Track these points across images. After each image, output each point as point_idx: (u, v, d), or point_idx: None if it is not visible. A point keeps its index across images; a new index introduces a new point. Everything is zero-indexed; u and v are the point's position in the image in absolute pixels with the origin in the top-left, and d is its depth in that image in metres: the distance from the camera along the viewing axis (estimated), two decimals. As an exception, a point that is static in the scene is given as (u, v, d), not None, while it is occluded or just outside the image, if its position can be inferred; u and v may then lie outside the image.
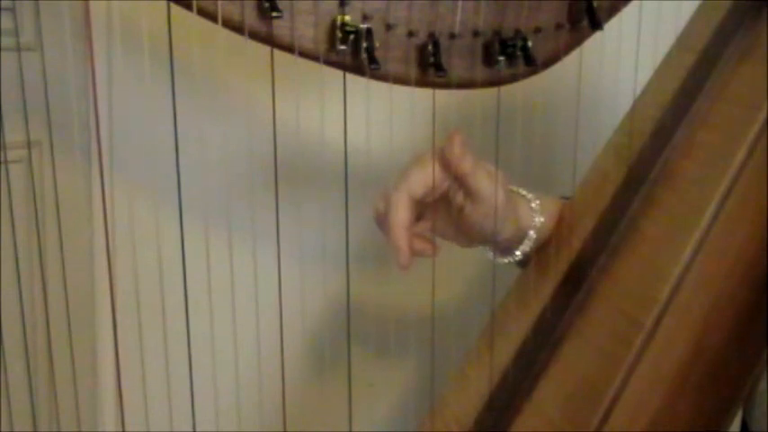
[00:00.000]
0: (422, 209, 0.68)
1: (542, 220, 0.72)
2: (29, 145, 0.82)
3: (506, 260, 0.73)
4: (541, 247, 0.73)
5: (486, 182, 0.66)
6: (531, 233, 0.72)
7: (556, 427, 0.63)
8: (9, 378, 0.78)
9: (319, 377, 1.05)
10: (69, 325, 0.81)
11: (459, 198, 0.68)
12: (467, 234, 0.69)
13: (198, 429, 0.71)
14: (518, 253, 0.72)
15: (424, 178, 0.65)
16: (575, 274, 0.68)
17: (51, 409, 0.85)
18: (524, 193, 0.73)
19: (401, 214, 0.65)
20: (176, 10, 0.55)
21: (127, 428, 0.70)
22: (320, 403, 0.97)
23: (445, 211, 0.69)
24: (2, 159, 0.76)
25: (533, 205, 0.72)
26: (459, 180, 0.66)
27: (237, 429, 0.94)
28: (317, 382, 1.05)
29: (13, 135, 0.76)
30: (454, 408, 0.72)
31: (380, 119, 0.72)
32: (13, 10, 0.85)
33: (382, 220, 0.67)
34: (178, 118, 0.62)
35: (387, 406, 1.12)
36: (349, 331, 0.73)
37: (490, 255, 0.75)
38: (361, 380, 0.75)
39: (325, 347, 1.05)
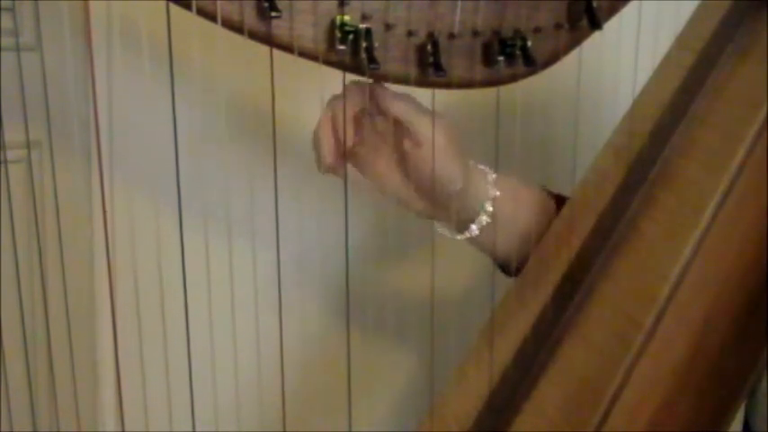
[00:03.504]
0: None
1: (498, 194, 0.72)
2: (29, 145, 0.82)
3: (462, 236, 0.74)
4: (541, 247, 0.73)
5: (422, 121, 0.66)
6: (487, 206, 0.72)
7: (555, 426, 0.63)
8: (9, 378, 0.78)
9: (319, 376, 1.05)
10: (69, 325, 0.81)
11: (406, 145, 0.68)
12: (421, 189, 0.70)
13: (198, 429, 0.71)
14: (474, 227, 0.72)
15: (359, 91, 0.66)
16: (574, 273, 0.68)
17: (51, 409, 0.85)
18: (482, 167, 0.73)
19: (353, 98, 0.65)
20: (176, 10, 0.55)
21: (127, 428, 0.70)
22: (320, 403, 0.97)
23: (397, 165, 0.70)
24: (2, 159, 0.76)
25: (489, 178, 0.72)
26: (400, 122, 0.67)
27: (237, 429, 0.94)
28: (316, 381, 1.05)
29: (13, 135, 0.76)
30: (454, 407, 0.72)
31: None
32: (12, 10, 0.85)
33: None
34: (177, 117, 0.62)
35: (386, 406, 1.12)
36: (348, 329, 0.73)
37: (446, 232, 0.75)
38: (361, 379, 0.76)
39: (324, 345, 1.05)
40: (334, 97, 0.66)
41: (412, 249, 0.78)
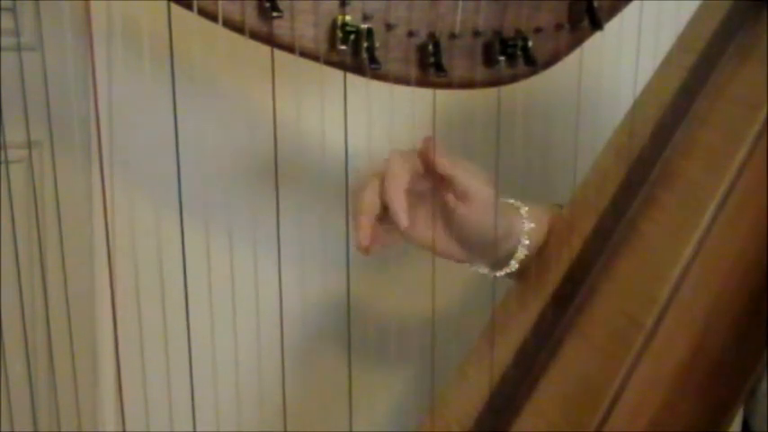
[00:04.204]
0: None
1: (533, 225, 0.72)
2: (29, 145, 0.82)
3: (503, 272, 0.73)
4: (541, 247, 0.73)
5: (471, 180, 0.66)
6: (524, 240, 0.72)
7: (556, 427, 0.63)
8: (9, 377, 0.78)
9: (319, 377, 1.05)
10: (69, 324, 0.81)
11: (451, 201, 0.68)
12: (465, 240, 0.69)
13: (198, 429, 0.71)
14: (514, 262, 0.72)
15: (407, 161, 0.66)
16: (575, 273, 0.68)
17: (51, 409, 0.85)
18: (511, 201, 0.73)
19: (402, 176, 0.65)
20: (177, 10, 0.55)
21: (127, 428, 0.70)
22: (320, 403, 0.97)
23: (438, 221, 0.69)
24: (2, 159, 0.76)
25: (522, 212, 0.72)
26: (443, 179, 0.67)
27: (237, 429, 0.94)
28: (317, 382, 1.05)
29: (14, 135, 0.76)
30: (454, 408, 0.72)
31: (381, 119, 0.72)
32: (13, 10, 0.85)
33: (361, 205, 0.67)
34: (178, 118, 0.62)
35: (387, 406, 1.12)
36: (349, 331, 0.73)
37: (485, 270, 0.74)
38: (362, 380, 0.76)
39: (325, 347, 1.05)
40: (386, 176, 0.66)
41: (412, 251, 0.78)
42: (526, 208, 0.72)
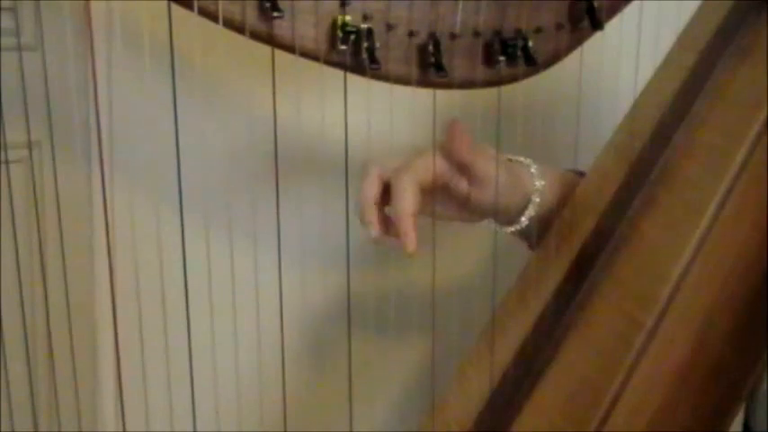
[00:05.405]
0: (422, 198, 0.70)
1: (543, 182, 0.73)
2: (29, 145, 0.82)
3: (511, 229, 0.74)
4: (542, 247, 0.73)
5: (488, 166, 0.68)
6: (535, 198, 0.73)
7: (556, 427, 0.63)
8: (9, 377, 0.78)
9: (320, 376, 1.05)
10: (69, 325, 0.81)
11: (462, 185, 0.69)
12: (476, 214, 0.72)
13: (198, 429, 0.71)
14: (523, 219, 0.73)
15: (428, 164, 0.67)
16: (575, 273, 0.68)
17: (51, 409, 0.85)
18: (522, 159, 0.74)
19: (409, 201, 0.66)
20: (177, 10, 0.55)
21: (127, 428, 0.70)
22: (320, 403, 0.97)
23: (447, 198, 0.71)
24: (2, 159, 0.76)
25: (533, 170, 0.73)
26: (462, 168, 0.68)
27: (237, 429, 0.94)
28: (317, 381, 1.05)
29: (14, 135, 0.76)
30: (454, 408, 0.72)
31: (381, 119, 0.72)
32: (13, 10, 0.85)
33: (367, 206, 0.68)
34: (179, 118, 0.62)
35: (387, 406, 1.12)
36: (349, 330, 0.73)
37: (497, 227, 0.76)
38: (362, 379, 0.76)
39: (325, 346, 1.05)
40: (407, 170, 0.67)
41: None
42: (536, 166, 0.74)
